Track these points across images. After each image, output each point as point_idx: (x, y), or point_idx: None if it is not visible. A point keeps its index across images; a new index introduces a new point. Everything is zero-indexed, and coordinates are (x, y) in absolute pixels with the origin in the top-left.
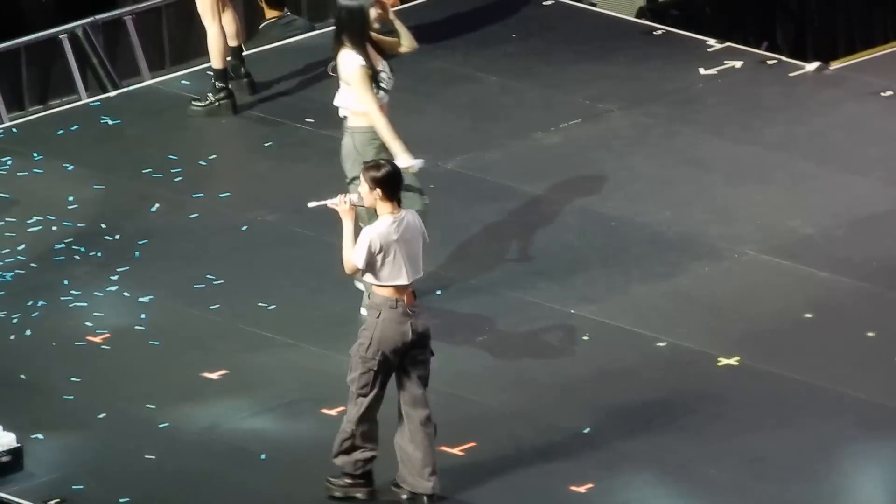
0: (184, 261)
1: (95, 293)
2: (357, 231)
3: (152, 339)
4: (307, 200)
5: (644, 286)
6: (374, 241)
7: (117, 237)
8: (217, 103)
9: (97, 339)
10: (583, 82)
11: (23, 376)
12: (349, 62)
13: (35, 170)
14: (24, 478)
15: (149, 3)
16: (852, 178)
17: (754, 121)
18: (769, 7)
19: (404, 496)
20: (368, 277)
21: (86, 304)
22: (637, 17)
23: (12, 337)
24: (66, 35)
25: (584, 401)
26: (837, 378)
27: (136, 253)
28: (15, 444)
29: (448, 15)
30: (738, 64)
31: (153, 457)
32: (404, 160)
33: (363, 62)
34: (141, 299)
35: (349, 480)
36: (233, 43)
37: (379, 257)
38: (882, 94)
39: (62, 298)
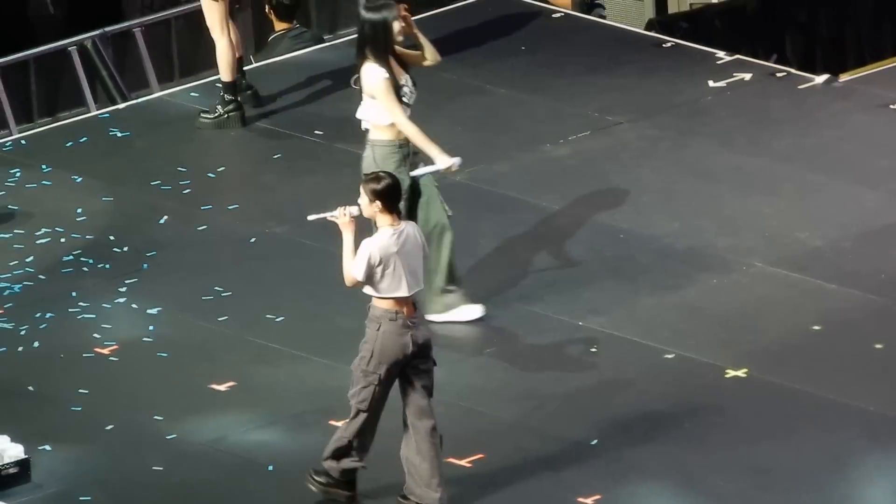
0: (192, 272)
1: (104, 305)
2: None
3: (160, 350)
4: (313, 213)
5: (652, 298)
6: (373, 253)
7: (126, 249)
8: (226, 115)
9: (105, 351)
10: (592, 94)
11: (31, 387)
12: (373, 75)
13: (44, 182)
14: (31, 489)
15: (158, 16)
16: (861, 190)
17: (763, 133)
18: (778, 20)
19: None
20: (368, 290)
21: (94, 316)
22: (646, 29)
23: (20, 348)
24: (75, 47)
25: (591, 412)
26: (845, 390)
27: (145, 265)
28: (22, 456)
29: (457, 27)
30: (747, 76)
31: (161, 468)
32: (444, 160)
33: (387, 74)
34: (149, 311)
35: (331, 481)
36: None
37: (379, 269)
38: (891, 106)
39: (70, 310)
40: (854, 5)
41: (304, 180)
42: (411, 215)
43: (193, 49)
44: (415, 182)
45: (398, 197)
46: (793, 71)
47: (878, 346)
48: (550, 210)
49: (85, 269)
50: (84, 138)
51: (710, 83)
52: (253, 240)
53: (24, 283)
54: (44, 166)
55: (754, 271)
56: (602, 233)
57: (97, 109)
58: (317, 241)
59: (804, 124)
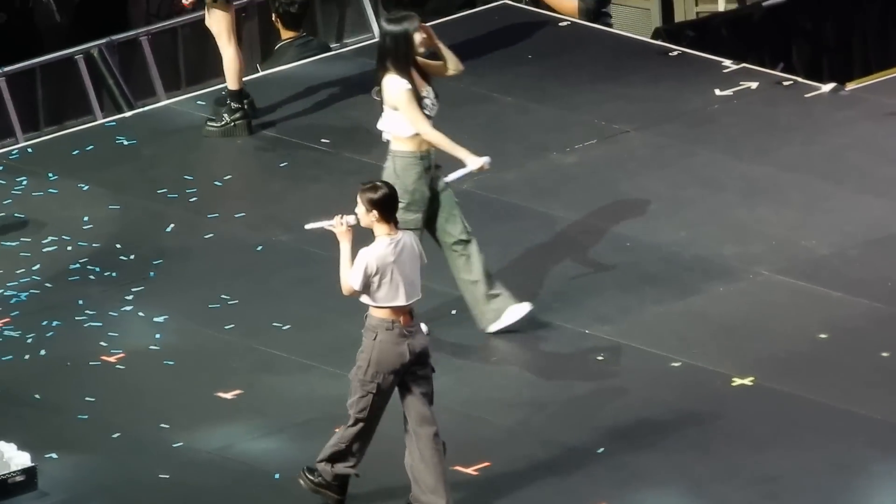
0: (199, 281)
1: (110, 313)
2: None
3: (167, 358)
4: (318, 221)
5: (659, 306)
6: (370, 262)
7: (132, 257)
8: (232, 124)
9: (112, 359)
10: (598, 103)
11: (37, 396)
12: (395, 86)
13: (50, 190)
14: (37, 497)
15: (164, 24)
16: (867, 198)
17: (769, 141)
18: (785, 28)
19: None
20: (365, 299)
21: (100, 324)
22: (653, 38)
23: (27, 356)
24: (81, 55)
25: (598, 420)
26: (851, 398)
27: (151, 273)
28: (29, 464)
29: (464, 36)
30: (753, 85)
31: (167, 476)
32: (474, 161)
33: (409, 86)
34: (156, 319)
35: (323, 482)
36: None
37: (375, 279)
38: None
39: (77, 318)
40: (860, 14)
41: (311, 189)
42: (430, 228)
43: (200, 57)
44: (435, 195)
45: (395, 206)
46: (799, 79)
47: (885, 354)
48: (557, 218)
49: (91, 277)
50: (90, 146)
51: (717, 92)
52: (259, 248)
53: (31, 291)
54: (50, 174)
55: (761, 279)
56: (609, 241)
57: (103, 118)
58: (324, 250)
59: (811, 133)
